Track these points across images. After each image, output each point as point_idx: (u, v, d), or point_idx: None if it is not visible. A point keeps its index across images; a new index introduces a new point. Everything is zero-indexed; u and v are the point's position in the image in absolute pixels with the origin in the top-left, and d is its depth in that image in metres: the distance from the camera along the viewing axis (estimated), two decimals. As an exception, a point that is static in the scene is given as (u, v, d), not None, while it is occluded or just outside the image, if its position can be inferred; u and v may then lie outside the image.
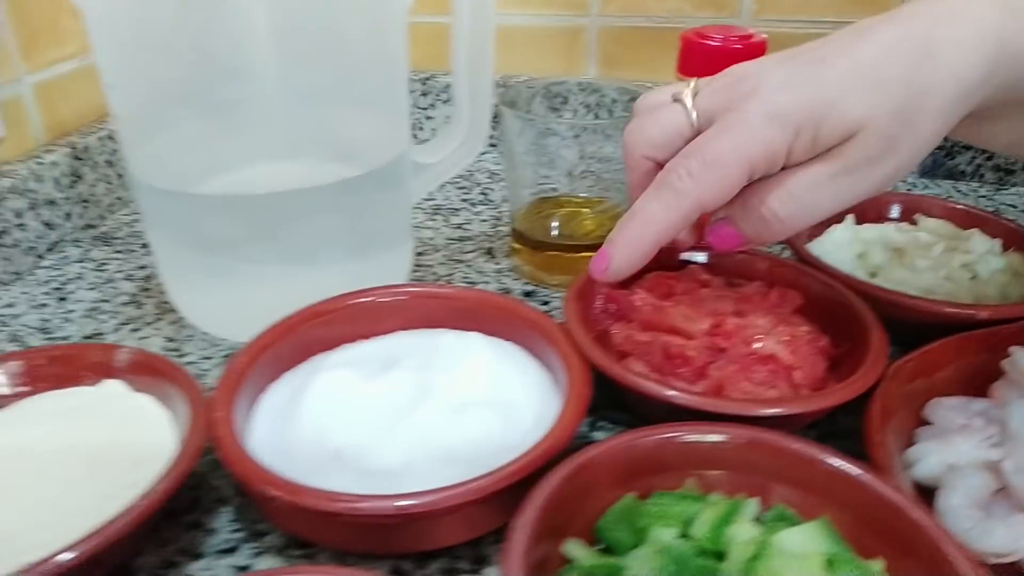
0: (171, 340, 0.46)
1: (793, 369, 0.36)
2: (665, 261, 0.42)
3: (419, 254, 0.55)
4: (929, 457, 0.33)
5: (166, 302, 0.49)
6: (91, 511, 0.30)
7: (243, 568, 0.31)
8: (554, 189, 0.50)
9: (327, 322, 0.40)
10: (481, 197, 0.65)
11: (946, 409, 0.35)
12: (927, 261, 0.46)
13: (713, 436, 0.31)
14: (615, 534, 0.29)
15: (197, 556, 0.32)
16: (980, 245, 0.47)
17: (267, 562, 0.32)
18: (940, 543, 0.26)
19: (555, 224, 0.51)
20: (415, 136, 0.74)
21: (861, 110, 0.31)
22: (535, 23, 0.73)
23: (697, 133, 0.34)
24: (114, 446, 0.33)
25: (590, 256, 0.37)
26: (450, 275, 0.53)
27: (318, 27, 0.41)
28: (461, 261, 0.55)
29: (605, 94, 0.53)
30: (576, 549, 0.28)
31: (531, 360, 0.39)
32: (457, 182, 0.67)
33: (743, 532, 0.28)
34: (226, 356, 0.45)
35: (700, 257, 0.45)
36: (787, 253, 0.49)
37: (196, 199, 0.42)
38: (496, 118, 0.50)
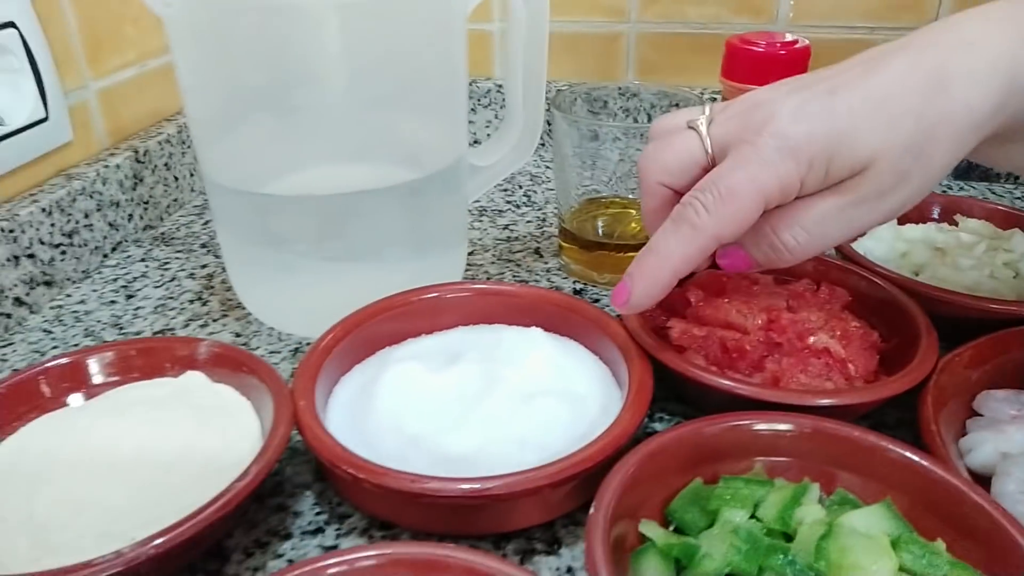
0: (239, 335, 0.48)
1: (847, 362, 0.38)
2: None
3: (469, 254, 0.57)
4: (984, 446, 0.34)
5: (230, 299, 0.51)
6: (189, 492, 0.31)
7: (330, 548, 0.33)
8: (597, 191, 0.52)
9: (393, 317, 0.42)
10: (524, 199, 0.67)
11: (997, 401, 0.37)
12: (970, 260, 0.47)
13: (780, 425, 0.32)
14: (687, 516, 0.31)
15: (286, 536, 0.34)
16: (1022, 244, 0.49)
17: (352, 542, 0.33)
18: (1001, 524, 0.28)
19: (601, 223, 0.52)
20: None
21: (874, 145, 0.31)
22: (575, 29, 0.75)
23: (711, 161, 0.34)
24: (203, 433, 0.35)
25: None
26: (501, 274, 0.55)
27: (386, 36, 0.42)
28: (511, 260, 0.56)
29: (643, 98, 0.55)
30: (652, 529, 0.30)
31: (589, 354, 0.41)
32: (500, 185, 0.69)
33: (811, 513, 0.29)
34: (293, 351, 0.46)
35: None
36: (831, 251, 0.50)
37: (266, 199, 0.44)
38: (547, 122, 0.52)
